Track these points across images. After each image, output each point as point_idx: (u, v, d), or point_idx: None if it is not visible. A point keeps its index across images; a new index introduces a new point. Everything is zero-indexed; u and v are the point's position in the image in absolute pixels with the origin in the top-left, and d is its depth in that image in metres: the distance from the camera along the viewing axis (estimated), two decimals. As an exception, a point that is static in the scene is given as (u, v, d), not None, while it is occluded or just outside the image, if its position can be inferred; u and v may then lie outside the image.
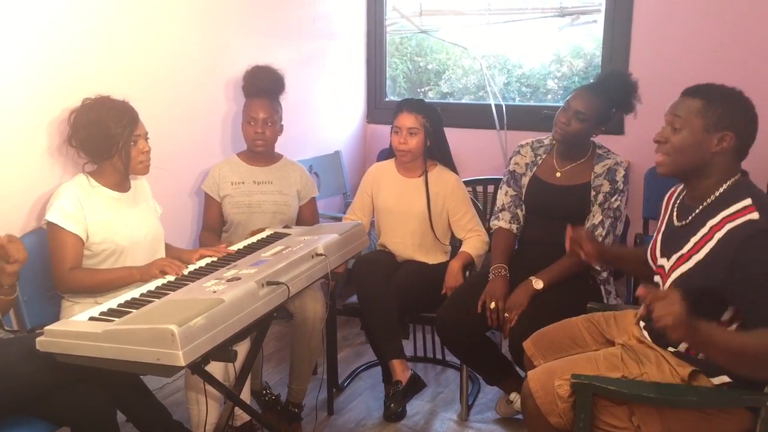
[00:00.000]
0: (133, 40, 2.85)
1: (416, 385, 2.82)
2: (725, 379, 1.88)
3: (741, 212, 1.80)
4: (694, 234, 1.89)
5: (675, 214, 2.03)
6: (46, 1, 2.49)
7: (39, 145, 2.53)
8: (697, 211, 1.93)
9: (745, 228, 1.77)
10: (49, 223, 2.33)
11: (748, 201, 1.82)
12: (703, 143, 1.87)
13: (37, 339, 1.81)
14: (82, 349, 1.75)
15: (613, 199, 2.66)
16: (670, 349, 1.97)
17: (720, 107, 1.85)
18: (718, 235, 1.82)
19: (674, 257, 1.93)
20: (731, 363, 1.74)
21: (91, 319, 1.87)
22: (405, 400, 2.79)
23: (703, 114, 1.86)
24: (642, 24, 3.70)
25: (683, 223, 1.96)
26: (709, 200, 1.90)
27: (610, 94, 2.66)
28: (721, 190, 1.89)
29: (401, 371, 2.75)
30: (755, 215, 1.78)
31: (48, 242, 2.36)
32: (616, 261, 2.42)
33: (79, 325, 1.82)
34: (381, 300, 2.78)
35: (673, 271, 1.92)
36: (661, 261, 2.00)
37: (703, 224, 1.88)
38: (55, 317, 2.42)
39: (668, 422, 1.89)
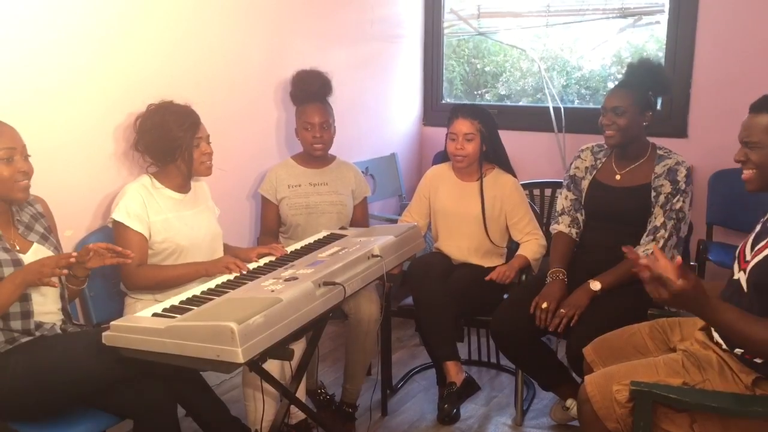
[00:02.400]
0: (195, 45, 2.92)
1: (470, 387, 2.79)
2: (792, 387, 1.83)
3: None
4: None
5: None
6: (114, 12, 2.58)
7: (106, 147, 2.62)
8: None
9: None
10: (115, 222, 2.41)
11: None
12: None
13: (103, 333, 1.87)
14: (146, 344, 1.80)
15: (675, 200, 2.60)
16: (737, 351, 1.92)
17: None
18: None
19: (756, 248, 1.90)
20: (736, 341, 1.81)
21: (155, 315, 1.93)
22: (459, 402, 2.78)
23: None
24: (708, 24, 3.61)
25: None
26: None
27: (638, 82, 2.67)
28: None
29: (455, 373, 2.73)
30: None
31: (114, 240, 2.44)
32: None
33: (143, 321, 1.88)
34: (436, 302, 2.77)
35: (750, 261, 1.88)
36: (748, 257, 1.96)
37: None
38: (119, 313, 2.50)
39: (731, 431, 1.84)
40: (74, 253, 2.00)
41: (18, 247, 2.09)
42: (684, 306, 1.74)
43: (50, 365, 1.96)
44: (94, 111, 2.55)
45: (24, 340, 2.05)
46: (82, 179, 2.55)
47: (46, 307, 2.15)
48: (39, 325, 2.09)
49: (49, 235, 2.22)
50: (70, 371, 1.96)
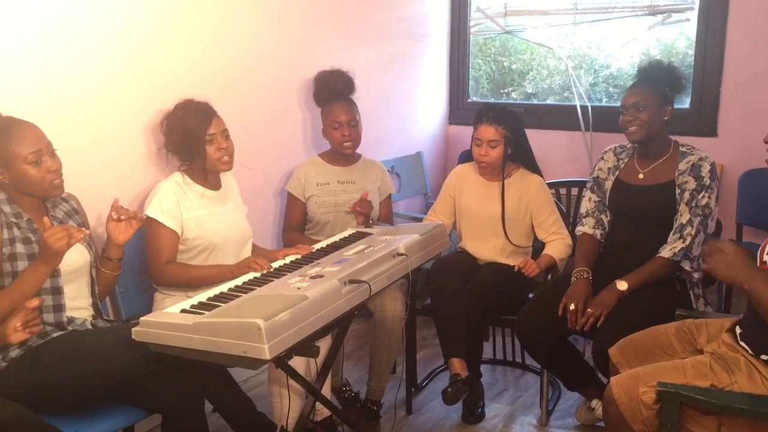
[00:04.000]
0: (223, 45, 2.96)
1: (474, 385, 2.83)
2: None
3: None
4: None
5: None
6: (144, 13, 2.62)
7: (136, 145, 2.66)
8: None
9: None
10: (148, 218, 2.45)
11: None
12: None
13: (133, 329, 1.90)
14: (174, 339, 1.83)
15: (700, 197, 2.56)
16: (763, 357, 1.90)
17: None
18: None
19: None
20: None
21: (183, 311, 1.95)
22: (464, 390, 2.73)
23: None
24: (738, 22, 3.56)
25: None
26: None
27: (652, 79, 2.67)
28: None
29: (460, 368, 2.74)
30: None
31: (145, 236, 2.48)
32: None
33: (172, 317, 1.91)
34: (452, 302, 2.79)
35: None
36: (765, 258, 1.94)
37: None
38: (148, 309, 2.54)
39: (760, 435, 1.82)
40: (84, 230, 2.03)
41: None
42: (734, 269, 1.77)
43: (81, 359, 2.00)
44: (125, 110, 2.60)
45: (56, 334, 2.09)
46: (115, 177, 2.59)
47: (78, 302, 2.19)
48: (71, 320, 2.13)
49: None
50: (100, 365, 2.00)
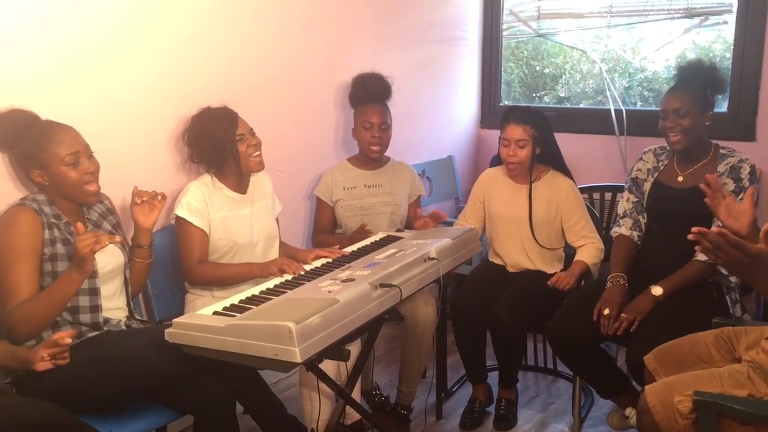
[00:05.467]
0: (256, 51, 2.98)
1: (490, 404, 3.03)
2: None
3: None
4: None
5: None
6: (179, 20, 2.65)
7: (168, 148, 2.69)
8: None
9: None
10: (178, 218, 2.48)
11: None
12: None
13: (166, 330, 1.92)
14: (207, 341, 1.85)
15: (739, 198, 2.52)
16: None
17: None
18: None
19: None
20: None
21: (215, 313, 1.97)
22: (478, 419, 2.96)
23: None
24: (778, 24, 3.49)
25: None
26: None
27: (694, 82, 2.62)
28: None
29: (479, 392, 3.01)
30: None
31: (177, 237, 2.51)
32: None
33: (204, 319, 1.92)
34: (471, 332, 2.88)
35: None
36: None
37: None
38: (180, 311, 2.57)
39: (801, 447, 1.78)
40: (114, 236, 2.05)
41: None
42: (756, 275, 1.70)
43: (115, 359, 2.03)
44: (158, 114, 2.63)
45: (91, 334, 2.12)
46: (148, 179, 2.61)
47: (112, 303, 2.22)
48: (106, 321, 2.16)
49: (116, 232, 2.30)
50: (133, 366, 2.02)
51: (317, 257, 2.49)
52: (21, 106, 2.12)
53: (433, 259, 2.34)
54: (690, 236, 1.73)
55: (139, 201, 2.31)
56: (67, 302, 2.03)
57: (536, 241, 2.93)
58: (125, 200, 2.45)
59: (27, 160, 2.09)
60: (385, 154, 3.15)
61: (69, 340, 1.83)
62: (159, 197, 2.34)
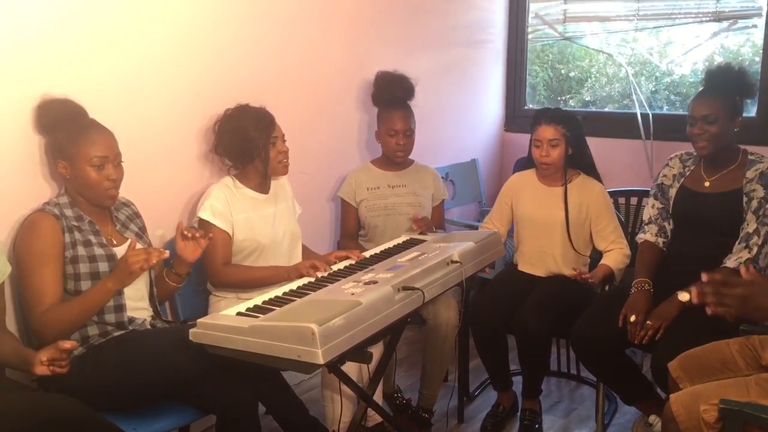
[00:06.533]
0: (280, 52, 3.00)
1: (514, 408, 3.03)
2: None
3: None
4: None
5: None
6: (203, 21, 2.68)
7: (191, 150, 2.71)
8: None
9: None
10: (201, 220, 2.50)
11: None
12: None
13: (190, 330, 1.94)
14: (230, 342, 1.86)
15: None
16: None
17: None
18: None
19: None
20: None
21: (239, 314, 1.98)
22: (500, 425, 2.95)
23: None
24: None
25: None
26: None
27: (723, 88, 2.57)
28: None
29: (503, 399, 2.99)
30: None
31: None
32: None
33: (228, 320, 1.94)
34: (495, 341, 2.86)
35: None
36: None
37: None
38: (204, 311, 2.59)
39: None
40: (164, 252, 2.08)
41: (114, 242, 2.21)
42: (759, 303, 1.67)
43: (140, 358, 2.05)
44: (182, 116, 2.66)
45: (116, 333, 2.14)
46: (171, 181, 2.65)
47: (138, 303, 2.25)
48: (131, 320, 2.19)
49: (143, 234, 2.33)
50: (158, 365, 2.04)
51: (337, 258, 2.50)
52: (74, 98, 2.18)
53: (456, 262, 2.34)
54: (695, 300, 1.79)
55: (189, 235, 2.28)
56: (98, 310, 2.09)
57: (571, 242, 2.91)
58: (150, 203, 2.48)
59: (58, 149, 2.14)
60: (413, 157, 3.15)
61: (69, 346, 1.85)
62: (205, 239, 2.32)
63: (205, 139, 2.71)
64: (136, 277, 2.06)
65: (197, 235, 2.29)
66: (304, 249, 2.79)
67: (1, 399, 1.81)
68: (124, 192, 2.26)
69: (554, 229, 2.92)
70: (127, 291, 2.18)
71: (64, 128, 2.12)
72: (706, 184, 2.64)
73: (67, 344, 1.86)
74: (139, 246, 2.17)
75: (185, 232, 2.28)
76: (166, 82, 2.59)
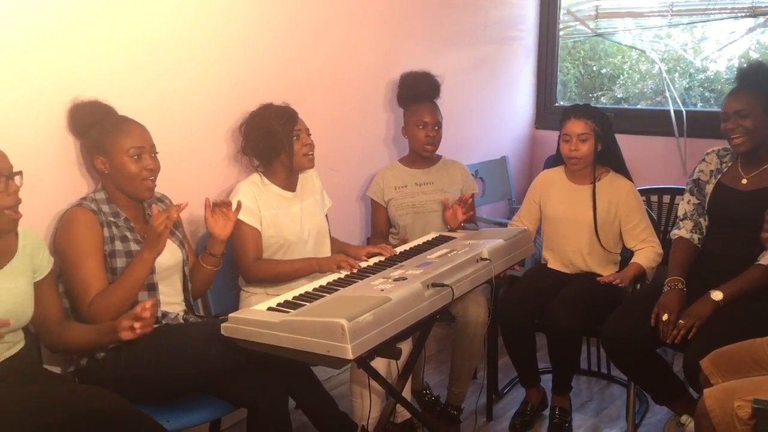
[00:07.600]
0: (310, 51, 3.02)
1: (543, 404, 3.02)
2: None
3: None
4: None
5: None
6: (234, 20, 2.71)
7: (222, 147, 2.75)
8: None
9: None
10: (231, 218, 2.53)
11: None
12: None
13: (222, 325, 1.96)
14: (261, 336, 1.88)
15: None
16: None
17: None
18: None
19: None
20: None
21: (270, 309, 2.00)
22: (528, 424, 2.94)
23: None
24: None
25: None
26: None
27: (756, 83, 2.53)
28: None
29: (532, 396, 2.98)
30: None
31: (231, 236, 2.55)
32: None
33: (259, 314, 1.96)
34: (523, 338, 2.86)
35: None
36: None
37: None
38: (235, 306, 2.63)
39: None
40: (182, 204, 2.13)
41: (147, 238, 2.24)
42: None
43: (173, 352, 2.08)
44: (212, 114, 2.70)
45: (150, 327, 2.18)
46: (202, 177, 2.69)
47: (171, 297, 2.29)
48: (165, 315, 2.22)
49: (176, 230, 2.36)
50: (190, 358, 2.07)
51: (369, 254, 2.51)
52: (104, 100, 2.23)
53: (486, 259, 2.34)
54: None
55: (218, 204, 2.32)
56: (142, 283, 2.12)
57: (599, 241, 2.89)
58: (182, 197, 2.51)
59: (95, 145, 2.19)
60: (438, 153, 3.15)
61: (148, 305, 1.90)
62: (233, 211, 2.35)
63: (234, 139, 2.75)
64: (165, 238, 2.08)
65: (224, 209, 2.32)
66: (334, 241, 2.82)
67: (39, 391, 1.86)
68: (162, 187, 2.30)
69: (582, 228, 2.90)
70: (162, 286, 2.22)
71: (99, 125, 2.18)
72: (744, 181, 2.60)
73: (147, 304, 1.90)
74: (170, 241, 2.20)
75: (213, 204, 2.32)
76: (195, 84, 2.63)
